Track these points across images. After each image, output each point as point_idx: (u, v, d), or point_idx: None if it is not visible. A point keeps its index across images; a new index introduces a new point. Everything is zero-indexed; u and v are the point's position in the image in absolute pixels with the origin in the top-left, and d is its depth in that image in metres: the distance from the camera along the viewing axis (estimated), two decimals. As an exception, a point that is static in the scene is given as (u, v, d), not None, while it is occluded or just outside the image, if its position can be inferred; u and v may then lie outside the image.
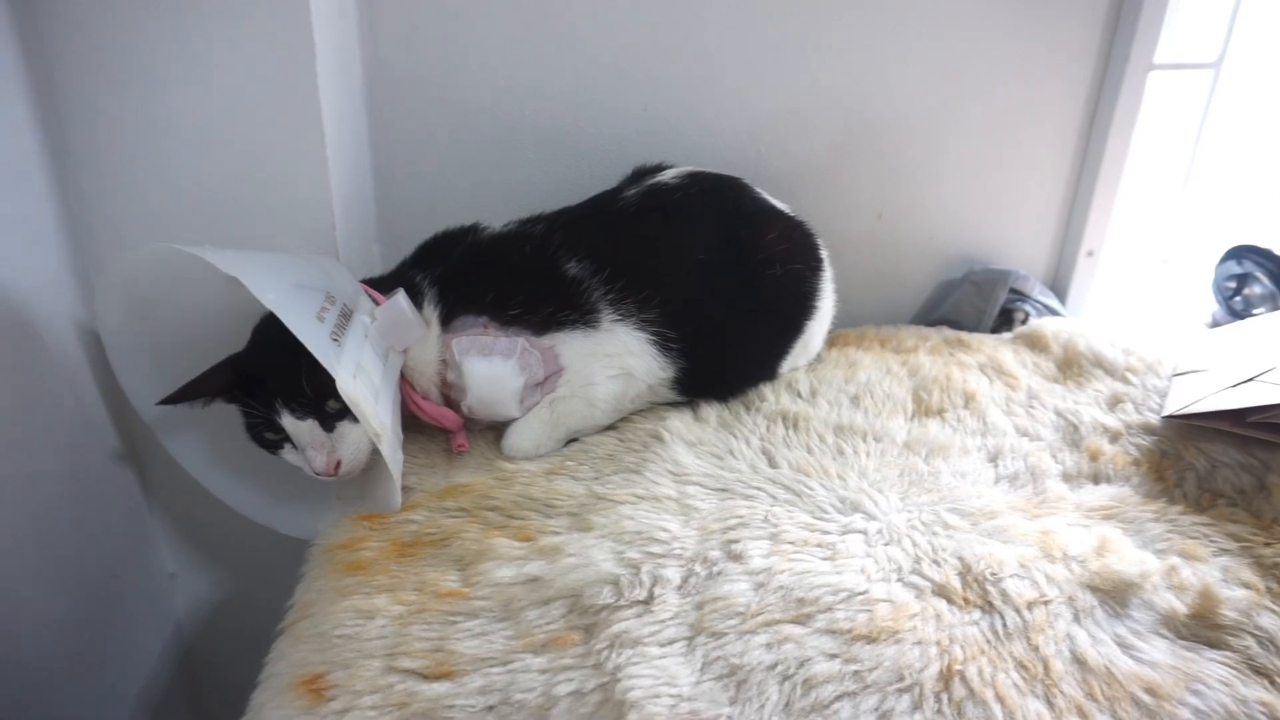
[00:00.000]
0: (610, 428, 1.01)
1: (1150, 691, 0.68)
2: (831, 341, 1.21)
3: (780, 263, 1.05)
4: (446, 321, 0.95)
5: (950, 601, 0.76)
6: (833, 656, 0.70)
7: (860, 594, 0.76)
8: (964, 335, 1.26)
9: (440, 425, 0.97)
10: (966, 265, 1.40)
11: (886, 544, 0.83)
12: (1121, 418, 1.04)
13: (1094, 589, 0.77)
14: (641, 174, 1.09)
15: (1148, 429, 1.01)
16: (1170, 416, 1.01)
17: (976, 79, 1.28)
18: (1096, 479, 0.96)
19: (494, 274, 0.97)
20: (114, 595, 1.07)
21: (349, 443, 0.87)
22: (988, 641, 0.72)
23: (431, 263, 0.98)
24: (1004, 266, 1.38)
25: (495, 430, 0.98)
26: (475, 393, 0.94)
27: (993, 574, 0.78)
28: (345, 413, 0.85)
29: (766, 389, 1.09)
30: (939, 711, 0.66)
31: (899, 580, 0.78)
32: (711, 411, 1.04)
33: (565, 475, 0.93)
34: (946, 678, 0.68)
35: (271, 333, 0.84)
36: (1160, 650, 0.72)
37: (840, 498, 0.89)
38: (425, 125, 1.14)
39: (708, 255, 1.02)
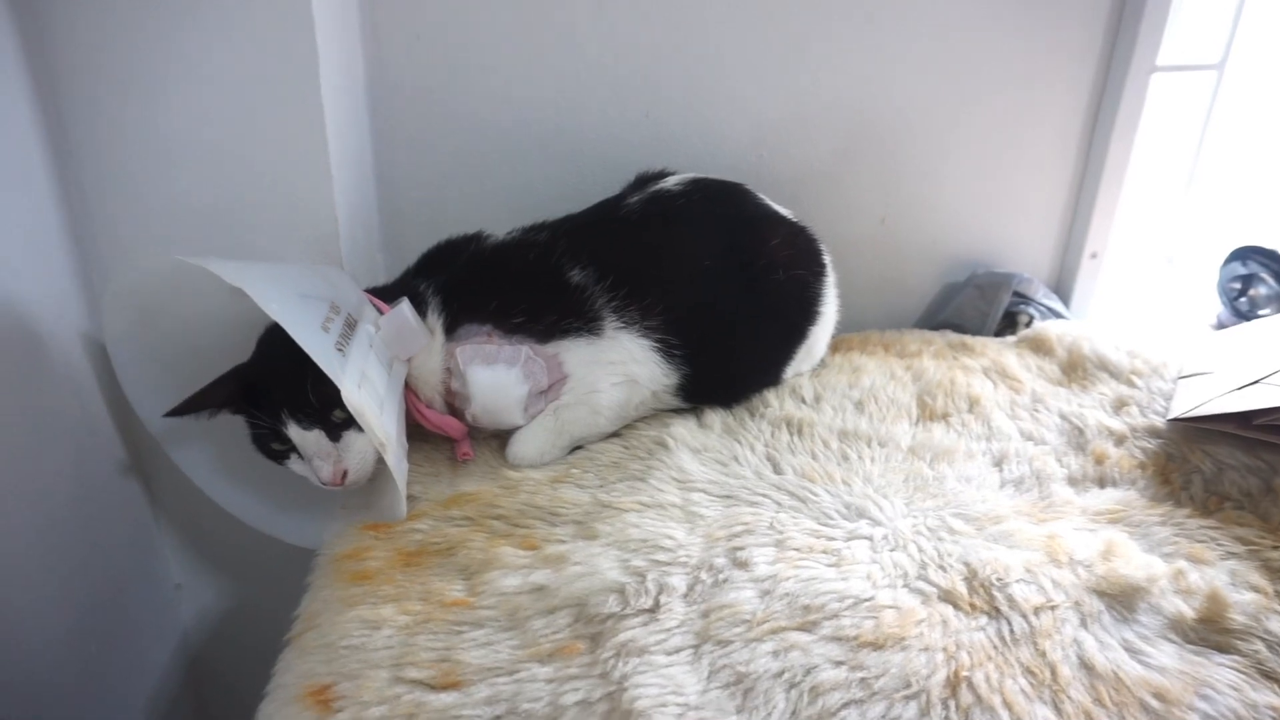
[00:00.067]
0: (615, 435, 1.01)
1: (1159, 697, 0.68)
2: (835, 346, 1.21)
3: (783, 268, 1.05)
4: (450, 330, 0.95)
5: (956, 607, 0.76)
6: (839, 664, 0.70)
7: (866, 600, 0.76)
8: (968, 339, 1.26)
9: (445, 434, 0.97)
10: (970, 268, 1.39)
11: (892, 550, 0.83)
12: (1127, 421, 1.04)
13: (1101, 593, 0.77)
14: (644, 181, 1.09)
15: (1153, 432, 1.01)
16: (1176, 419, 1.00)
17: (978, 82, 1.28)
18: (1102, 483, 0.96)
19: (497, 282, 0.97)
20: (120, 606, 1.07)
21: (355, 452, 0.87)
22: (994, 647, 0.72)
23: (435, 271, 0.98)
24: (1007, 269, 1.38)
25: (500, 438, 0.99)
26: (479, 401, 0.94)
27: (999, 579, 0.78)
28: (351, 422, 0.85)
29: (770, 395, 1.09)
30: (946, 718, 0.66)
31: (905, 586, 0.78)
32: (716, 418, 1.04)
33: (570, 483, 0.93)
34: (953, 684, 0.68)
35: (276, 343, 0.84)
36: (1168, 655, 0.72)
37: (845, 504, 0.89)
38: (428, 134, 1.15)
39: (711, 261, 1.02)
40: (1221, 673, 0.70)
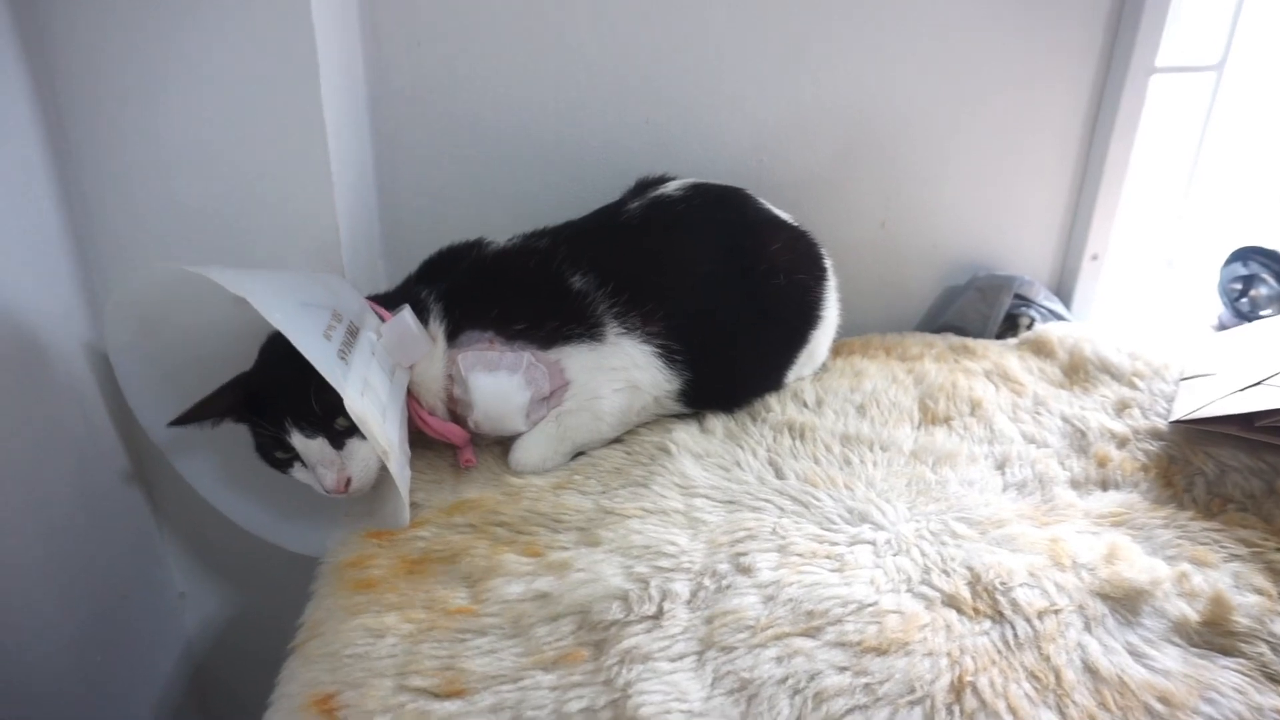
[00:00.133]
0: (617, 441, 1.01)
1: (1163, 700, 0.67)
2: (837, 350, 1.21)
3: (784, 273, 1.05)
4: (452, 337, 0.95)
5: (960, 612, 0.76)
6: (843, 669, 0.70)
7: (870, 605, 0.76)
8: (969, 342, 1.26)
9: (447, 441, 0.98)
10: (971, 271, 1.39)
11: (895, 554, 0.83)
12: (1129, 423, 1.04)
13: (1104, 597, 0.77)
14: (644, 186, 1.09)
15: (1155, 434, 1.01)
16: (1178, 421, 1.00)
17: (978, 85, 1.28)
18: (1105, 485, 0.95)
19: (499, 289, 0.97)
20: (124, 615, 1.07)
21: (359, 459, 0.87)
22: (999, 652, 0.72)
23: (436, 278, 0.98)
24: (1008, 272, 1.38)
25: (502, 445, 0.99)
26: (481, 408, 0.94)
27: (1002, 583, 0.78)
28: (354, 430, 0.85)
29: (772, 399, 1.09)
30: (951, 724, 0.66)
31: (908, 591, 0.78)
32: (718, 423, 1.04)
33: (573, 489, 0.93)
34: (958, 689, 0.68)
35: (279, 352, 0.84)
36: (1173, 658, 0.72)
37: (848, 508, 0.89)
38: (429, 141, 1.15)
39: (712, 267, 1.03)
40: (1226, 676, 0.70)
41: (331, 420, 0.85)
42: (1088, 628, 0.74)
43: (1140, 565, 0.80)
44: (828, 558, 0.82)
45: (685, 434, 1.01)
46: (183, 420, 0.87)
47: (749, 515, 0.88)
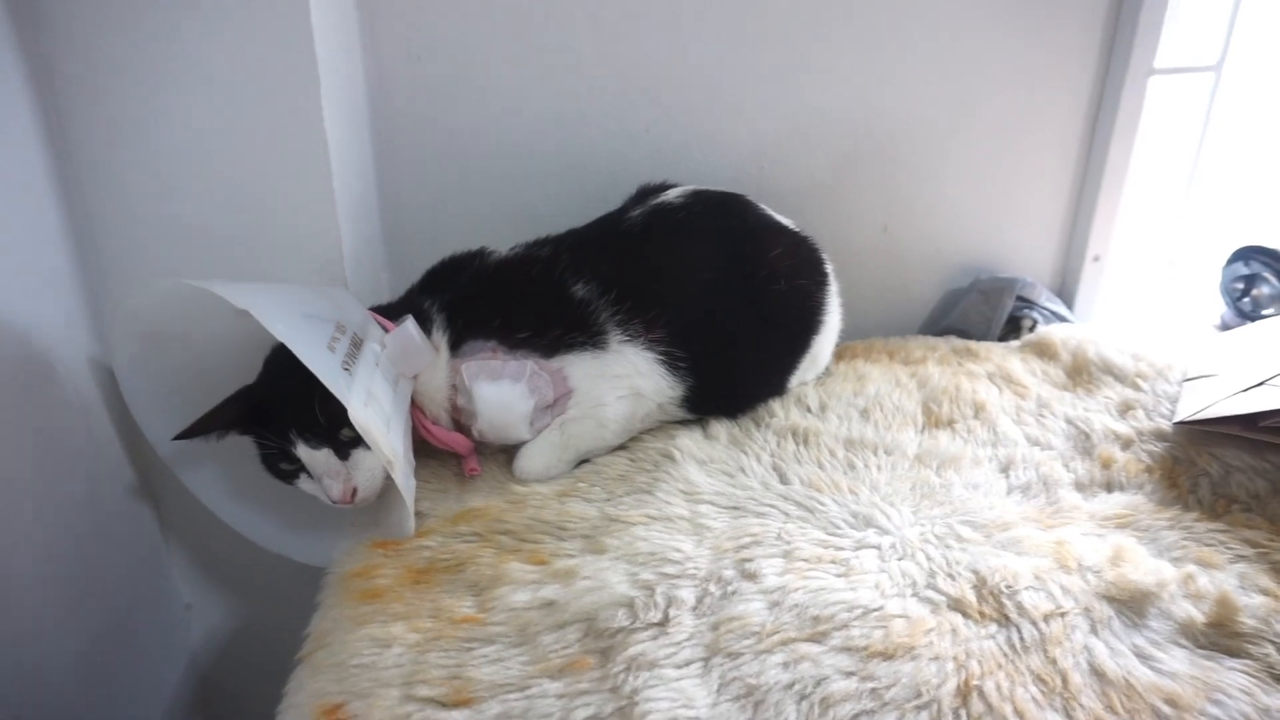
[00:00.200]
0: (621, 448, 1.01)
1: (1170, 702, 0.67)
2: (839, 354, 1.21)
3: (785, 278, 1.06)
4: (455, 347, 0.95)
5: (966, 615, 0.76)
6: (849, 674, 0.70)
7: (875, 610, 0.76)
8: (972, 344, 1.26)
9: (451, 450, 0.98)
10: (973, 274, 1.40)
11: (900, 559, 0.83)
12: (1133, 424, 1.04)
13: (1110, 599, 0.77)
14: (646, 194, 1.10)
15: (1160, 435, 1.01)
16: (1182, 422, 1.00)
17: (977, 88, 1.28)
18: (1109, 487, 0.95)
19: (501, 298, 0.97)
20: (130, 627, 1.07)
21: (364, 470, 0.87)
22: (1005, 655, 0.72)
23: (439, 288, 0.99)
24: (1010, 274, 1.38)
25: (507, 453, 0.99)
26: (485, 417, 0.94)
27: (1008, 586, 0.78)
28: (359, 440, 0.86)
29: (776, 405, 1.09)
30: (958, 728, 0.66)
31: (914, 595, 0.78)
32: (721, 429, 1.04)
33: (577, 497, 0.93)
34: (964, 693, 0.68)
35: (283, 364, 0.85)
36: (1179, 660, 0.72)
37: (853, 513, 0.89)
38: (430, 152, 1.16)
39: (713, 273, 1.03)
40: (1233, 677, 0.70)
41: (336, 431, 0.85)
42: (1094, 630, 0.74)
43: (1146, 567, 0.80)
44: (833, 563, 0.82)
45: (689, 440, 1.01)
46: (188, 434, 0.88)
47: (754, 521, 0.88)
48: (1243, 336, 1.21)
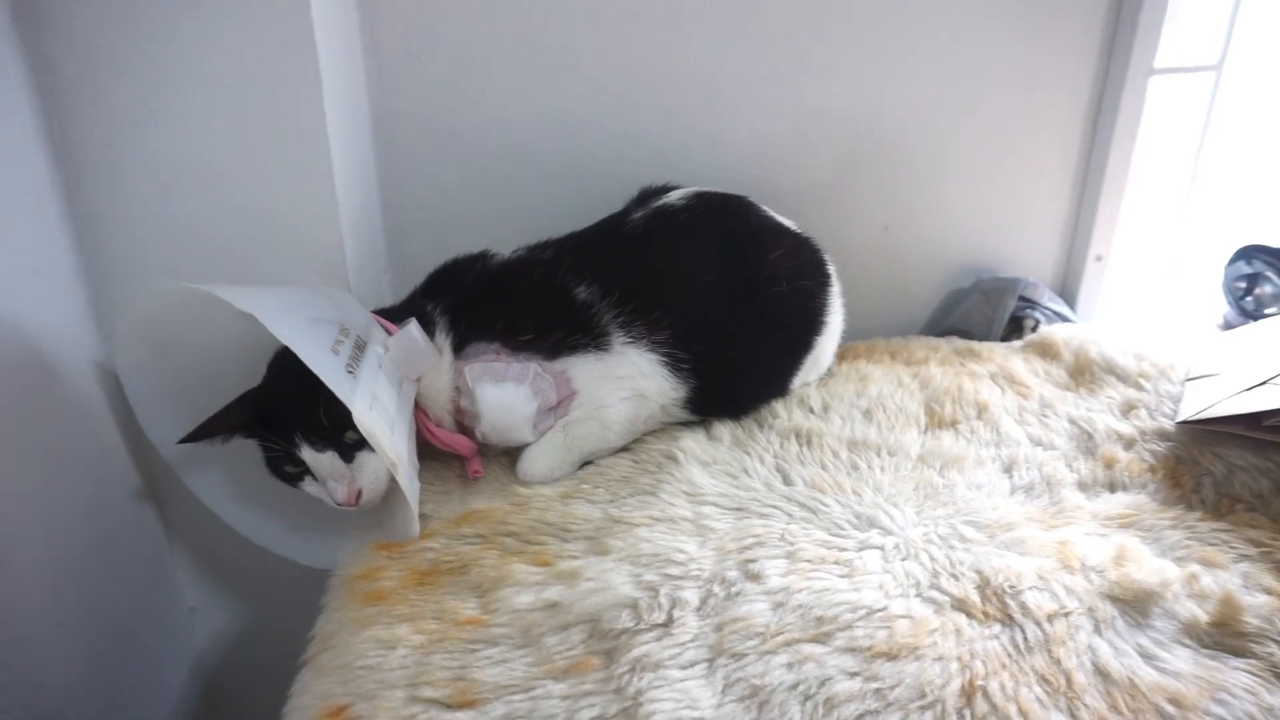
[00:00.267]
0: (624, 449, 1.01)
1: (1175, 702, 0.67)
2: (842, 355, 1.21)
3: (787, 279, 1.06)
4: (459, 349, 0.95)
5: (970, 616, 0.76)
6: (853, 675, 0.70)
7: (879, 611, 0.76)
8: (974, 345, 1.26)
9: (455, 452, 0.98)
10: (974, 274, 1.40)
11: (904, 559, 0.83)
12: (1136, 424, 1.04)
13: (1114, 599, 0.77)
14: (648, 196, 1.10)
15: (1163, 435, 1.01)
16: (1185, 422, 1.00)
17: (978, 88, 1.28)
18: (1112, 487, 0.95)
19: (504, 300, 0.98)
20: (135, 630, 1.07)
21: (369, 472, 0.88)
22: (1009, 655, 0.72)
23: (442, 291, 0.99)
24: (1012, 274, 1.38)
25: (510, 455, 0.99)
26: (489, 419, 0.95)
27: (1011, 587, 0.78)
28: (363, 443, 0.86)
29: (779, 406, 1.09)
30: (962, 728, 0.66)
31: (918, 596, 0.78)
32: (725, 430, 1.04)
33: (581, 499, 0.93)
34: (969, 694, 0.68)
35: (287, 367, 0.85)
36: (1183, 660, 0.72)
37: (856, 513, 0.89)
38: (432, 155, 1.16)
39: (716, 275, 1.03)
40: (1237, 676, 0.70)
41: (341, 434, 0.86)
42: (1098, 630, 0.74)
43: (1149, 567, 0.80)
44: (836, 563, 0.82)
45: (692, 441, 1.01)
46: (193, 437, 0.88)
47: (757, 522, 0.88)
48: (1245, 336, 1.21)
